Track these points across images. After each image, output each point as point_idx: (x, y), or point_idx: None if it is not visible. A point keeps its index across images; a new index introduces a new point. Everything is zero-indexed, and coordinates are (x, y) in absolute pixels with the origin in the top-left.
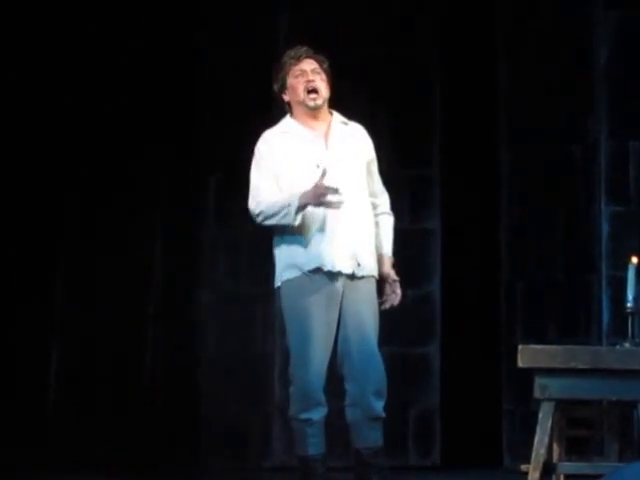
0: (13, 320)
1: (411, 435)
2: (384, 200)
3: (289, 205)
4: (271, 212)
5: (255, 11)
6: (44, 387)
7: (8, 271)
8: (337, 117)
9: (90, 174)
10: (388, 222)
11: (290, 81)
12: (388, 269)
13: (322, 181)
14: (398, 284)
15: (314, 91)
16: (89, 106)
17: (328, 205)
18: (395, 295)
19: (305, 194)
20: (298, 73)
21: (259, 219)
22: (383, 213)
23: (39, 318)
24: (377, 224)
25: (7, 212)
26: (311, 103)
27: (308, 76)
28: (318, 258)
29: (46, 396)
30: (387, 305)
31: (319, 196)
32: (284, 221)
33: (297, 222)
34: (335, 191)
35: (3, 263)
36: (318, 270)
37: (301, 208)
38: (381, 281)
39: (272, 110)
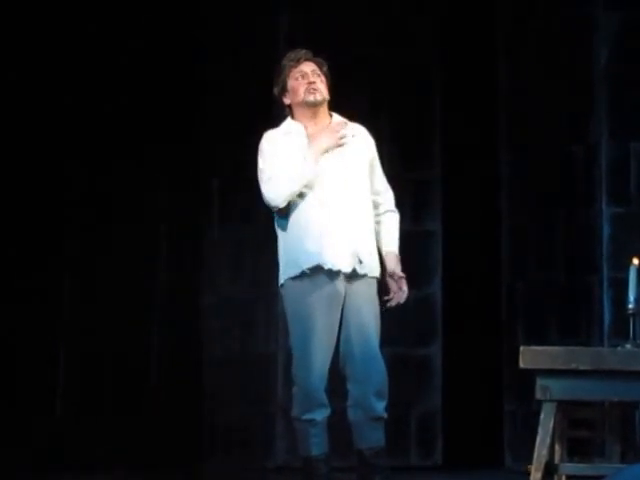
0: (19, 322)
1: (413, 435)
2: (389, 197)
3: (304, 159)
4: (288, 178)
5: (255, 11)
6: (50, 388)
7: (13, 273)
8: (337, 118)
9: (90, 175)
10: (393, 219)
11: (291, 83)
12: (394, 266)
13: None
14: (404, 281)
15: (314, 89)
16: (89, 106)
17: (343, 143)
18: (402, 292)
19: (317, 142)
20: (298, 75)
21: (276, 195)
22: (388, 211)
23: (45, 321)
24: (382, 222)
25: (10, 214)
26: (310, 97)
27: (309, 78)
28: (318, 256)
29: (50, 397)
30: (393, 303)
31: (334, 133)
32: (306, 176)
33: (317, 173)
34: (345, 124)
35: (9, 264)
36: (318, 268)
37: (318, 156)
38: (387, 278)
39: (272, 110)
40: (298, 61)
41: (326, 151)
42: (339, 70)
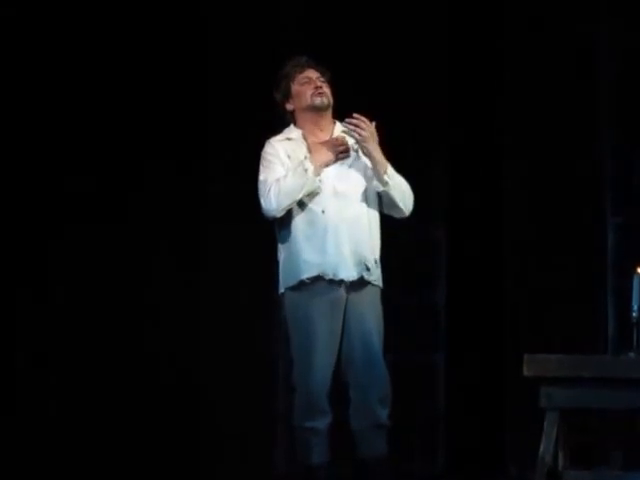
0: (12, 322)
1: (416, 443)
2: None
3: (304, 171)
4: (286, 191)
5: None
6: (42, 387)
7: (6, 271)
8: (339, 127)
9: (89, 174)
10: None
11: (296, 88)
12: None
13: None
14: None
15: (321, 93)
16: (90, 108)
17: (345, 156)
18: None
19: (317, 156)
20: (304, 81)
21: (275, 207)
22: None
23: (37, 321)
24: None
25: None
26: (317, 100)
27: (315, 83)
28: (318, 266)
29: (45, 397)
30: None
31: (334, 147)
32: (306, 189)
33: (317, 184)
34: (343, 138)
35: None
36: (319, 278)
37: (318, 169)
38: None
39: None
40: (302, 67)
41: (326, 165)
42: (339, 76)
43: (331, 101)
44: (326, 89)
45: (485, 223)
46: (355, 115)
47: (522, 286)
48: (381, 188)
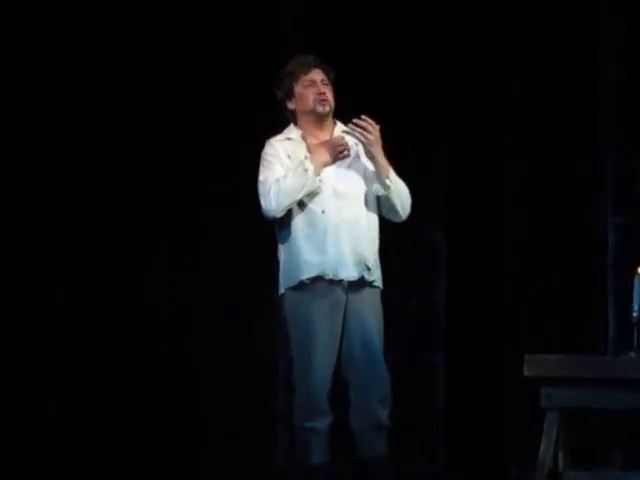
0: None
1: (416, 443)
2: None
3: (305, 171)
4: (286, 191)
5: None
6: (41, 388)
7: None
8: (340, 127)
9: (89, 174)
10: None
11: (299, 90)
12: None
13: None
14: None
15: (324, 100)
16: (91, 105)
17: (344, 156)
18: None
19: (317, 156)
20: (308, 83)
21: (274, 207)
22: None
23: (35, 321)
24: None
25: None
26: (320, 108)
27: (319, 88)
28: (320, 266)
29: (43, 397)
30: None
31: (334, 148)
32: (307, 189)
33: (317, 184)
34: (342, 139)
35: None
36: (319, 278)
37: (318, 170)
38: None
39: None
40: (308, 67)
41: (326, 165)
42: (339, 76)
43: (333, 106)
44: (329, 94)
45: (485, 223)
46: (363, 117)
47: (522, 286)
48: (382, 192)
